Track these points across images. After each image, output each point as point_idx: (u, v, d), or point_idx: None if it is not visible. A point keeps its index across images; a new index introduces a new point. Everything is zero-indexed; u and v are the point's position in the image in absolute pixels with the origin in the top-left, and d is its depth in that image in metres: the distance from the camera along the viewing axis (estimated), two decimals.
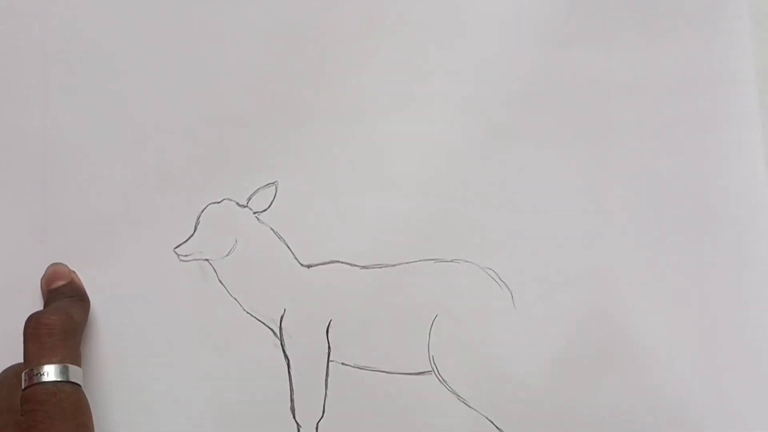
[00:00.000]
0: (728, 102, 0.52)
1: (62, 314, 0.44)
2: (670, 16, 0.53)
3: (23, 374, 0.43)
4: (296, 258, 0.50)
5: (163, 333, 0.48)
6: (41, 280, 0.48)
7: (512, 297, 0.50)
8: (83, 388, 0.43)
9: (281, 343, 0.49)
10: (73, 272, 0.49)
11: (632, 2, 0.53)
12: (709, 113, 0.52)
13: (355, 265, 0.50)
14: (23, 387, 0.42)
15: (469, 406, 0.49)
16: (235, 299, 0.49)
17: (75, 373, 0.43)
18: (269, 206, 0.50)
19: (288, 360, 0.49)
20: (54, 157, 0.50)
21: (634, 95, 0.52)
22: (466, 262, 0.50)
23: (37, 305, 0.47)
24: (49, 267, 0.48)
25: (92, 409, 0.44)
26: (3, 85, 0.50)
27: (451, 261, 0.50)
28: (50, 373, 0.42)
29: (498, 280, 0.50)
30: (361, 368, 0.49)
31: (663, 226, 0.51)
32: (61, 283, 0.48)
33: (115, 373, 0.48)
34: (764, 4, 0.54)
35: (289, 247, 0.50)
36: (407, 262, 0.50)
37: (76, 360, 0.44)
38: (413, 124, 0.51)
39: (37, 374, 0.42)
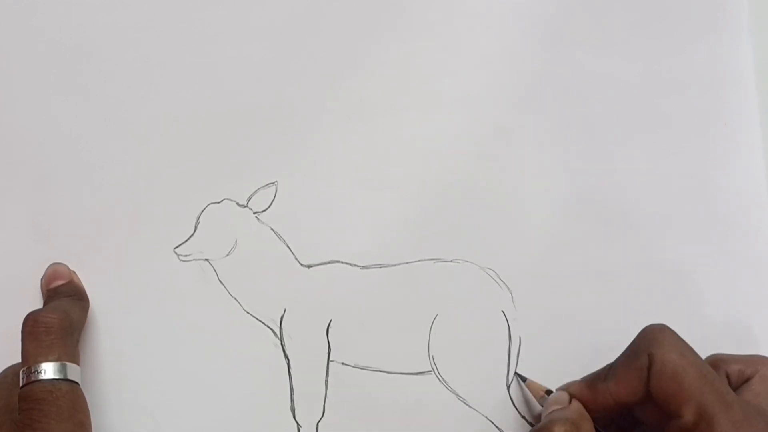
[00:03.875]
0: (728, 102, 0.52)
1: (60, 313, 0.44)
2: (670, 16, 0.53)
3: (21, 372, 0.42)
4: (296, 258, 0.50)
5: (163, 333, 0.48)
6: (41, 279, 0.48)
7: (512, 297, 0.50)
8: (81, 387, 0.43)
9: (281, 343, 0.49)
10: (73, 272, 0.49)
11: (632, 2, 0.53)
12: (709, 113, 0.52)
13: (355, 265, 0.50)
14: (21, 385, 0.42)
15: (469, 406, 0.49)
16: (235, 299, 0.49)
17: (73, 371, 0.43)
18: (269, 206, 0.50)
19: (288, 360, 0.49)
20: (54, 158, 0.50)
21: (634, 95, 0.52)
22: (466, 262, 0.50)
23: (37, 305, 0.47)
24: (49, 267, 0.48)
25: (90, 408, 0.43)
26: (3, 85, 0.50)
27: (451, 261, 0.50)
28: (47, 371, 0.42)
29: (498, 280, 0.50)
30: (361, 368, 0.49)
31: (663, 226, 0.51)
32: (60, 282, 0.48)
33: (114, 372, 0.48)
34: (764, 4, 0.54)
35: (289, 247, 0.50)
36: (407, 262, 0.50)
37: (74, 358, 0.44)
38: (413, 124, 0.51)
39: (34, 372, 0.42)
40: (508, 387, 0.49)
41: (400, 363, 0.49)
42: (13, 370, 0.44)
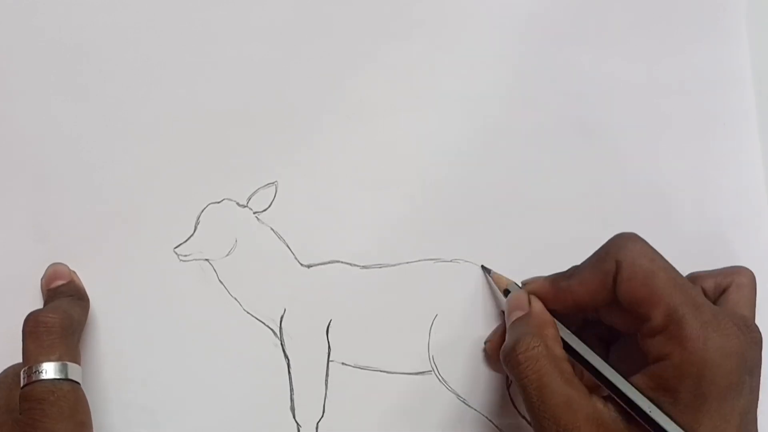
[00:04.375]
0: (728, 102, 0.52)
1: (60, 312, 0.44)
2: (669, 16, 0.53)
3: (22, 372, 0.42)
4: (296, 258, 0.50)
5: (163, 333, 0.48)
6: (41, 279, 0.48)
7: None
8: (82, 387, 0.43)
9: (281, 343, 0.49)
10: (73, 272, 0.49)
11: (632, 2, 0.53)
12: (709, 113, 0.52)
13: (355, 265, 0.50)
14: (22, 385, 0.42)
15: (469, 406, 0.49)
16: (235, 299, 0.49)
17: (74, 371, 0.43)
18: (269, 206, 0.50)
19: (288, 360, 0.49)
20: (54, 158, 0.50)
21: (634, 95, 0.52)
22: (466, 262, 0.50)
23: (37, 305, 0.47)
24: (49, 267, 0.48)
25: (91, 408, 0.43)
26: (3, 85, 0.50)
27: (451, 261, 0.50)
28: (48, 370, 0.42)
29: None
30: (361, 368, 0.49)
31: (663, 225, 0.51)
32: (60, 282, 0.48)
33: (114, 372, 0.48)
34: (763, 5, 0.54)
35: (289, 247, 0.50)
36: (407, 262, 0.50)
37: (75, 358, 0.44)
38: (413, 124, 0.51)
39: (35, 372, 0.42)
40: (508, 387, 0.49)
41: (400, 363, 0.49)
42: (14, 370, 0.44)
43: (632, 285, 0.42)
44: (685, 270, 0.50)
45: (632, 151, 0.52)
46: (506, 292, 0.47)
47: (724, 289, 0.44)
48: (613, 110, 0.52)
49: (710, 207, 0.52)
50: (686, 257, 0.50)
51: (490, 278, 0.49)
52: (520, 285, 0.48)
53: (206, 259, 0.49)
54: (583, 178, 0.51)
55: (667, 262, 0.43)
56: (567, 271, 0.45)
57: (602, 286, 0.43)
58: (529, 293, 0.46)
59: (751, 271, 0.45)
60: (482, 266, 0.49)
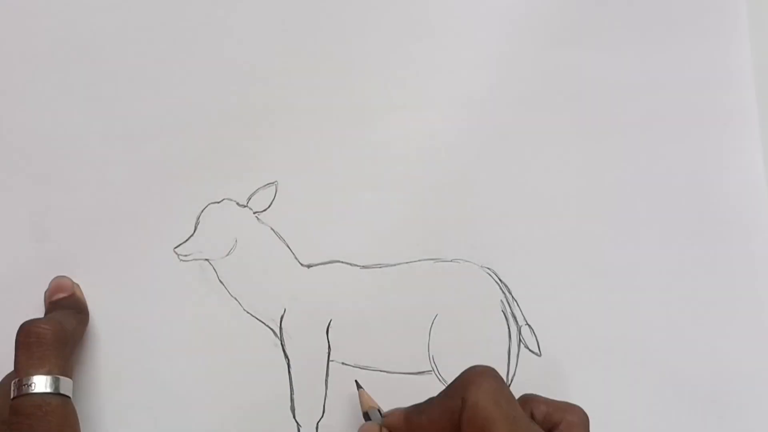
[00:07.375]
0: (728, 102, 0.53)
1: (54, 324, 0.43)
2: (669, 16, 0.53)
3: (12, 384, 0.41)
4: (296, 258, 0.50)
5: (163, 333, 0.48)
6: (45, 293, 0.48)
7: (512, 297, 0.50)
8: (73, 400, 0.42)
9: (281, 343, 0.49)
10: (77, 285, 0.48)
11: (632, 2, 0.53)
12: (709, 113, 0.52)
13: (355, 265, 0.50)
14: (12, 397, 0.41)
15: None
16: (235, 299, 0.49)
17: (64, 385, 0.42)
18: (269, 206, 0.50)
19: (288, 360, 0.49)
20: (55, 158, 0.50)
21: (634, 95, 0.52)
22: (466, 262, 0.50)
23: (37, 306, 0.47)
24: (52, 280, 0.48)
25: (90, 409, 0.43)
26: (3, 85, 0.50)
27: (451, 261, 0.50)
28: (38, 384, 0.41)
29: (497, 280, 0.50)
30: (361, 368, 0.49)
31: (663, 225, 0.51)
32: (62, 295, 0.47)
33: (114, 372, 0.48)
34: (763, 5, 0.54)
35: (289, 247, 0.50)
36: (407, 262, 0.50)
37: (67, 371, 0.42)
38: (413, 124, 0.51)
39: (25, 385, 0.41)
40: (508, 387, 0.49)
41: (400, 363, 0.49)
42: (9, 379, 0.43)
43: (472, 427, 0.39)
44: (689, 270, 0.50)
45: (632, 151, 0.52)
46: (365, 415, 0.46)
47: (554, 423, 0.42)
48: (612, 110, 0.52)
49: (710, 207, 0.52)
50: (686, 258, 0.51)
51: (358, 393, 0.47)
52: (381, 413, 0.45)
53: (206, 259, 0.49)
54: (582, 178, 0.51)
55: (513, 405, 0.40)
56: (421, 404, 0.43)
57: (450, 424, 0.40)
58: (385, 425, 0.44)
59: (583, 411, 0.43)
60: (355, 381, 0.47)
